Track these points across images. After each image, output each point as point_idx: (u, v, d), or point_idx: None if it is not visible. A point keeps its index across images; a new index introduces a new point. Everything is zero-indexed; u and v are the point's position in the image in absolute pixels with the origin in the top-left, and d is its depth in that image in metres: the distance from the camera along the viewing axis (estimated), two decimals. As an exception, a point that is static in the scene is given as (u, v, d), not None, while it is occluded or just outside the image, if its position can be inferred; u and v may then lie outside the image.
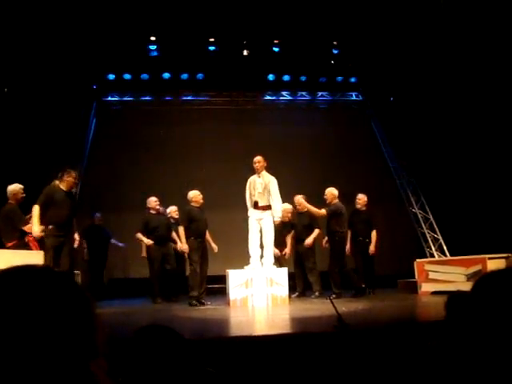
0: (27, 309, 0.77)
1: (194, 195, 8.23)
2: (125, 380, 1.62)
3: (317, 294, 8.45)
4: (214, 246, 8.56)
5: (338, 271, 8.26)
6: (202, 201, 8.25)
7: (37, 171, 9.16)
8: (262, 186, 7.94)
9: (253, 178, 8.11)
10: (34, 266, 0.86)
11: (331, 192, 8.54)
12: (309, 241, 8.71)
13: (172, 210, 9.21)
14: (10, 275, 0.82)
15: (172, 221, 9.04)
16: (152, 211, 8.75)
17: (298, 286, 8.91)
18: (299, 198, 8.97)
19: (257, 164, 8.01)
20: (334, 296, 7.45)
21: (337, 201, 8.50)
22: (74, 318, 0.80)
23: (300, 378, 3.64)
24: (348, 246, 8.60)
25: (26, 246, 6.56)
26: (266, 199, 7.96)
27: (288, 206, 8.98)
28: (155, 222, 8.65)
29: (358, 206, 8.88)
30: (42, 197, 6.54)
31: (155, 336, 1.72)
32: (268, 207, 7.94)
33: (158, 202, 8.79)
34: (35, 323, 0.76)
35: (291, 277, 8.47)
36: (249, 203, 8.15)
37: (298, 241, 8.93)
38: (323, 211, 8.38)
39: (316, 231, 8.78)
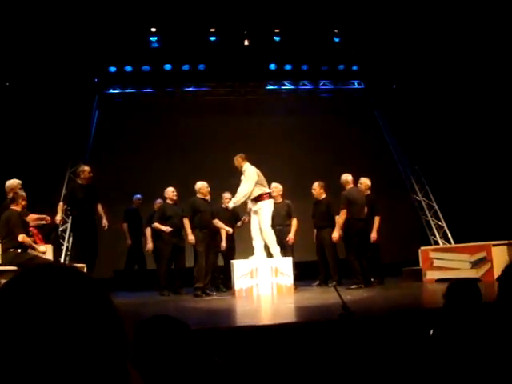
0: (61, 311, 0.73)
1: (202, 186, 8.18)
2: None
3: (334, 283, 7.94)
4: (228, 229, 8.51)
5: (355, 259, 7.85)
6: (208, 194, 8.21)
7: (39, 165, 9.21)
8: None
9: None
10: (60, 267, 0.82)
11: (341, 179, 8.26)
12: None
13: (225, 197, 9.02)
14: (42, 275, 0.78)
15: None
16: (169, 201, 8.68)
17: (320, 275, 8.75)
18: (316, 185, 8.84)
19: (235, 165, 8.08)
20: (355, 286, 7.57)
21: (350, 186, 8.17)
22: (108, 319, 0.78)
23: (306, 366, 3.66)
24: (337, 234, 7.99)
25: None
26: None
27: (279, 186, 8.81)
28: (170, 211, 8.54)
29: None
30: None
31: (160, 326, 1.72)
32: (258, 198, 7.90)
33: (175, 193, 8.67)
34: (69, 325, 0.72)
35: (297, 266, 8.46)
36: None
37: (318, 229, 8.81)
38: (341, 215, 7.94)
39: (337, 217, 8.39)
